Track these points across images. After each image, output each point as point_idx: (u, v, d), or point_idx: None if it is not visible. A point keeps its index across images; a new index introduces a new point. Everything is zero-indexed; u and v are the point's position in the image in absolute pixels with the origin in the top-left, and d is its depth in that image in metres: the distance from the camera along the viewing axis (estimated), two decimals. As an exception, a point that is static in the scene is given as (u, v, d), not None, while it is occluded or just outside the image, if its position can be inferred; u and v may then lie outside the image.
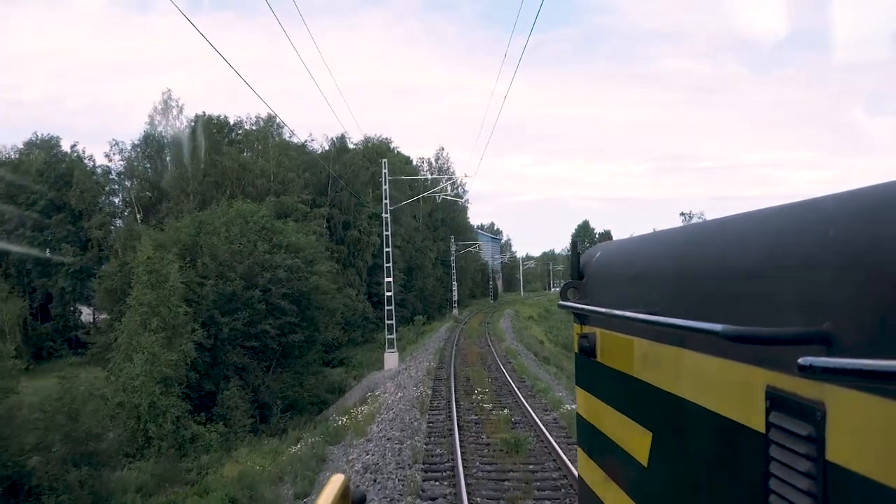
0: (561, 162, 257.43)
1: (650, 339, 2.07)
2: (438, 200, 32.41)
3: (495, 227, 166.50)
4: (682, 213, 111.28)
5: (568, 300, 2.90)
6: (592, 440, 2.80)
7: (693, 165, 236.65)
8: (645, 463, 2.13)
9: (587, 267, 2.95)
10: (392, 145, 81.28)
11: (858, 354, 1.04)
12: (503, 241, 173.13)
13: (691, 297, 1.82)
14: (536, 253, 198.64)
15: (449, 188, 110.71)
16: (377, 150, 73.76)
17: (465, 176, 37.46)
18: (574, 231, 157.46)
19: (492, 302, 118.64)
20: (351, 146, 72.52)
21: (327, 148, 69.50)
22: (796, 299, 1.28)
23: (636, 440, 2.19)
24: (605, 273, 2.78)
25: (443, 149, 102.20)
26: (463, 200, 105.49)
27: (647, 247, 2.58)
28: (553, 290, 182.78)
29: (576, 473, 3.83)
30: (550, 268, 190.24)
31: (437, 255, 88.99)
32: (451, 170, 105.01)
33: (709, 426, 1.64)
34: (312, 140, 66.52)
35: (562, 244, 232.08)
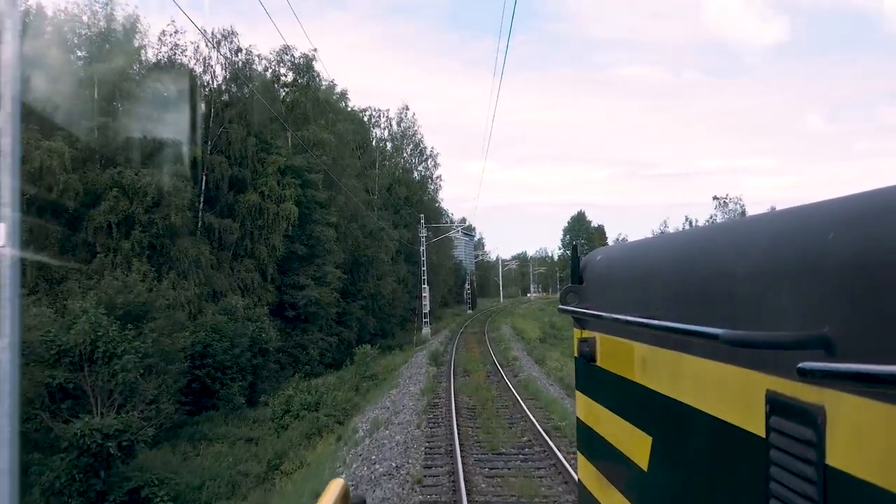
0: (523, 168, 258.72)
1: (650, 343, 2.03)
2: None
3: (467, 223, 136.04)
4: (716, 198, 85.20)
5: (568, 304, 2.85)
6: (592, 444, 2.73)
7: (652, 172, 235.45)
8: (645, 467, 2.08)
9: (587, 271, 2.87)
10: (337, 88, 52.02)
11: (858, 359, 1.03)
12: (476, 238, 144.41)
13: (692, 302, 1.80)
14: (505, 256, 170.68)
15: (418, 162, 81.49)
16: (298, 69, 44.52)
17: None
18: (568, 223, 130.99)
19: (469, 312, 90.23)
20: (260, 69, 43.06)
21: (213, 61, 39.77)
22: (796, 303, 1.27)
23: (636, 444, 2.15)
24: (605, 277, 2.72)
25: (407, 108, 73.29)
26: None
27: (648, 251, 2.51)
28: (532, 294, 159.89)
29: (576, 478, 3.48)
30: (531, 270, 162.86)
31: (399, 246, 60.68)
32: (419, 135, 76.31)
33: (709, 430, 1.62)
34: (176, 32, 36.66)
35: (534, 247, 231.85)
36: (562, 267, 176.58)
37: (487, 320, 65.53)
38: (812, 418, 1.17)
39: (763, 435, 1.34)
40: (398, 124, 73.47)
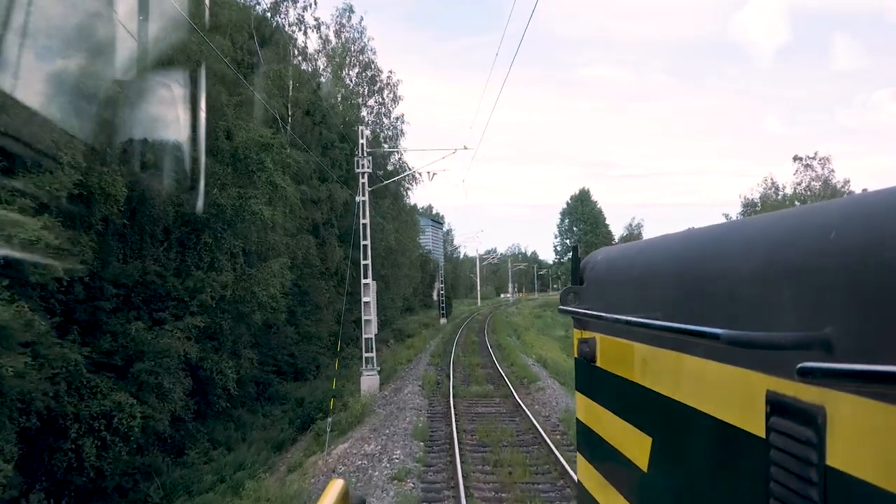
0: (485, 167, 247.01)
1: (650, 343, 1.99)
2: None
3: (434, 211, 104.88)
4: (797, 158, 58.77)
5: (568, 305, 2.81)
6: (592, 445, 2.66)
7: (617, 173, 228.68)
8: (644, 468, 2.03)
9: (587, 271, 2.81)
10: None
11: (859, 359, 1.02)
12: (446, 228, 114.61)
13: (692, 302, 1.76)
14: (472, 253, 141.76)
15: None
16: None
17: None
18: (567, 204, 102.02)
19: (443, 322, 61.58)
20: None
21: None
22: (797, 304, 1.25)
23: (636, 445, 2.10)
24: (605, 277, 2.64)
25: (350, 10, 43.82)
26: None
27: (648, 251, 2.41)
28: (508, 295, 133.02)
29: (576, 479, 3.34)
30: (508, 266, 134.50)
31: (329, 212, 32.58)
32: (370, 51, 47.38)
33: (709, 431, 1.59)
34: None
35: (499, 247, 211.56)
36: (540, 265, 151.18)
37: (482, 339, 36.98)
38: (812, 419, 1.15)
39: (763, 435, 1.31)
40: (337, 34, 44.40)
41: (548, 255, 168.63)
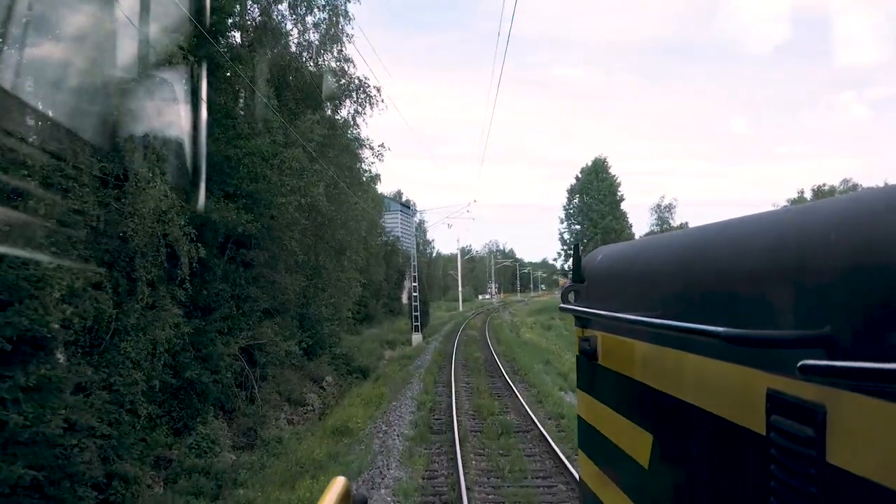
0: (456, 167, 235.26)
1: (651, 341, 1.98)
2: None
3: (404, 198, 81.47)
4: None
5: (569, 303, 2.79)
6: (593, 442, 2.65)
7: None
8: (645, 465, 2.02)
9: (588, 270, 2.79)
10: None
11: (859, 357, 1.03)
12: (418, 218, 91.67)
13: (693, 300, 1.76)
14: (445, 251, 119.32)
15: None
16: None
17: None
18: (578, 178, 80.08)
19: (417, 340, 39.82)
20: None
21: None
22: (798, 302, 1.24)
23: (637, 442, 2.08)
24: (606, 276, 2.63)
25: None
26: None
27: (649, 250, 2.41)
28: (489, 296, 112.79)
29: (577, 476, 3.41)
30: (491, 263, 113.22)
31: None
32: None
33: (709, 428, 1.58)
34: None
35: (479, 243, 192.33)
36: (521, 264, 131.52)
37: (520, 409, 15.30)
38: (813, 416, 1.14)
39: (764, 433, 1.30)
40: None
41: (525, 255, 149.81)
